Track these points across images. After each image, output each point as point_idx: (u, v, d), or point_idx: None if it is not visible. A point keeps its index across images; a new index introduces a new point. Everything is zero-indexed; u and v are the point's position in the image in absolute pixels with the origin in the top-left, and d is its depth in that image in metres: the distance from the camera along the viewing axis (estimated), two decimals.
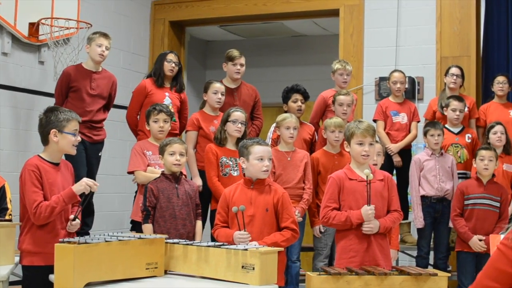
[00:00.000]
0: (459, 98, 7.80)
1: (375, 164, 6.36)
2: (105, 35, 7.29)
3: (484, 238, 6.63)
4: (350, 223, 5.06)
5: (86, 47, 7.32)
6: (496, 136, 7.31)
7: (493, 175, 6.84)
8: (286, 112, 7.42)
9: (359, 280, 4.79)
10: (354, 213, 5.06)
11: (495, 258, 2.64)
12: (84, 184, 4.90)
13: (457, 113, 7.67)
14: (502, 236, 2.72)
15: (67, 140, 5.00)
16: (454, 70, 8.09)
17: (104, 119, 7.46)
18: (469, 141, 7.62)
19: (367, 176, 5.04)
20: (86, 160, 7.18)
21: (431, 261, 7.42)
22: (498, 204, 6.72)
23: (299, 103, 7.53)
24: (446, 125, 7.74)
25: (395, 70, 8.21)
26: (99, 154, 7.45)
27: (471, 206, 6.76)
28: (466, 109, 7.81)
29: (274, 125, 7.32)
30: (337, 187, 5.15)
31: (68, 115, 5.05)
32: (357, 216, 5.05)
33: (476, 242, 6.63)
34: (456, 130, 7.74)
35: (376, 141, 6.55)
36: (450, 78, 8.07)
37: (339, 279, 4.78)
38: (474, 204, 6.75)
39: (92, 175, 7.13)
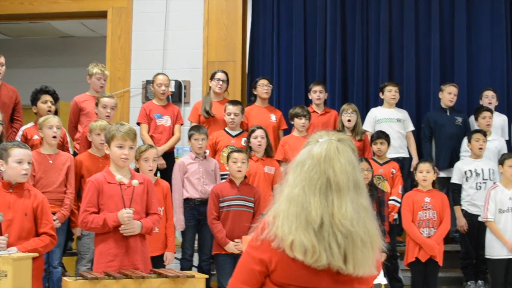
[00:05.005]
0: (234, 102, 7.98)
1: (151, 170, 6.52)
2: None
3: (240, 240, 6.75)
4: (108, 226, 5.02)
5: None
6: (257, 141, 7.46)
7: (245, 177, 7.01)
8: (36, 114, 7.38)
9: (117, 284, 4.74)
10: (110, 216, 5.02)
11: (242, 260, 2.72)
12: None
13: (232, 116, 7.81)
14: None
15: None
16: (219, 75, 8.26)
17: None
18: (245, 144, 7.73)
19: (120, 181, 5.05)
20: None
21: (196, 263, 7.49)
22: (252, 205, 6.87)
23: (48, 104, 7.39)
24: (226, 128, 7.89)
25: (159, 73, 8.22)
26: None
27: (227, 208, 6.84)
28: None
29: (23, 128, 7.19)
30: (96, 191, 5.09)
31: None
32: (113, 219, 5.01)
33: (232, 247, 6.76)
34: (234, 133, 7.88)
35: (151, 146, 6.67)
36: (215, 83, 8.23)
37: (96, 283, 4.71)
38: (229, 206, 6.83)
39: None
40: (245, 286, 2.68)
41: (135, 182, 5.08)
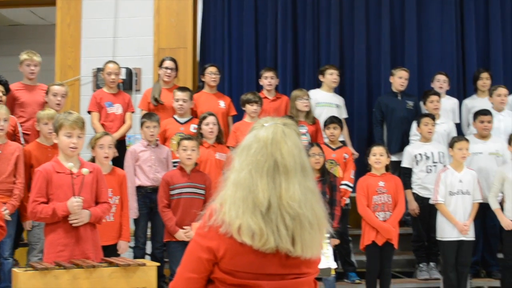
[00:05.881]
0: (182, 88, 7.95)
1: (107, 157, 6.47)
2: None
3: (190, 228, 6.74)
4: (57, 216, 4.96)
5: None
6: (208, 128, 7.43)
7: (196, 164, 6.99)
8: None
9: (68, 274, 4.72)
10: (59, 205, 4.98)
11: (190, 248, 2.71)
12: None
13: (180, 102, 7.77)
14: None
15: None
16: (167, 64, 8.23)
17: None
18: (194, 130, 7.70)
19: (70, 169, 5.01)
20: None
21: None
22: (203, 192, 6.83)
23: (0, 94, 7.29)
24: (175, 115, 7.86)
25: (109, 61, 8.15)
26: None
27: (177, 196, 6.80)
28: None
29: None
30: (44, 181, 5.04)
31: None
32: (62, 208, 4.97)
33: (181, 235, 6.73)
34: (182, 120, 7.84)
35: (107, 133, 6.62)
36: (163, 71, 8.21)
37: (46, 274, 4.68)
38: (180, 194, 6.79)
39: None
40: (193, 275, 2.68)
41: (85, 170, 5.04)
